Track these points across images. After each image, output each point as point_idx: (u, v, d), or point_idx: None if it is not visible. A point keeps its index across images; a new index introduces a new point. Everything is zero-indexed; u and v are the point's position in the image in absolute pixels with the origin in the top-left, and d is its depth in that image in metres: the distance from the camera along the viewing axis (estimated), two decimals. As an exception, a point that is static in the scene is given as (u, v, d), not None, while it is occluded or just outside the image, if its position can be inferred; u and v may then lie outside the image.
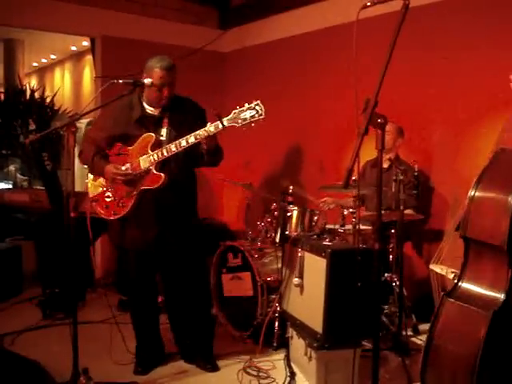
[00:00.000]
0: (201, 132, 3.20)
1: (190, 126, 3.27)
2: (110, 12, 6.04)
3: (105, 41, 6.14)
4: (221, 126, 3.14)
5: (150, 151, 3.39)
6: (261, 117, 3.10)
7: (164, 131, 3.49)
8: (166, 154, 3.32)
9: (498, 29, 4.33)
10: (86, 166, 3.66)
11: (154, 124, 3.52)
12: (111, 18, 6.05)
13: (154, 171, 3.39)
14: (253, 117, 3.10)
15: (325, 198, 4.71)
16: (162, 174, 3.37)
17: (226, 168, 6.18)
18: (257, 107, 3.10)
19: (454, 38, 4.62)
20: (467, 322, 2.55)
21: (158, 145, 3.40)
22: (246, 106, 3.12)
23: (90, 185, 3.66)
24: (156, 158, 3.36)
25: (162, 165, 3.41)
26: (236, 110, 3.13)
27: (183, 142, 3.25)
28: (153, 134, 3.43)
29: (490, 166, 2.70)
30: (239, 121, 3.12)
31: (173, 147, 3.29)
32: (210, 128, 3.18)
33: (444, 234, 3.73)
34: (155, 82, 3.35)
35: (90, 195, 3.63)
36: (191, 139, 3.23)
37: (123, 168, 3.44)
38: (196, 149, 3.40)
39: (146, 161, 3.39)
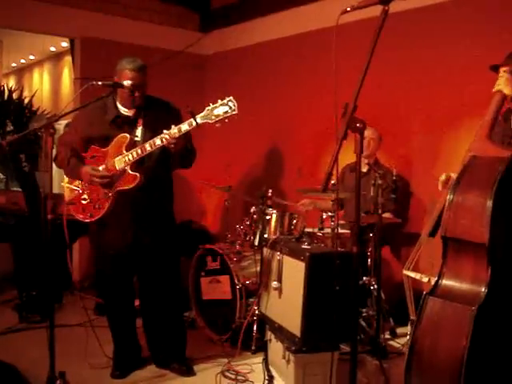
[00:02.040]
0: (175, 130, 3.20)
1: (165, 126, 3.26)
2: (90, 13, 6.00)
3: (84, 42, 6.10)
4: (194, 123, 3.15)
5: (124, 152, 3.37)
6: (234, 112, 3.11)
7: (139, 132, 3.49)
8: (140, 153, 3.32)
9: (477, 34, 4.39)
10: (61, 169, 3.64)
11: (128, 125, 3.51)
12: (91, 19, 6.01)
13: (130, 171, 3.38)
14: (226, 112, 3.11)
15: (303, 201, 4.72)
16: (138, 174, 3.36)
17: (205, 171, 6.21)
18: (229, 103, 3.11)
19: (433, 43, 4.67)
20: (452, 318, 2.57)
21: (132, 145, 3.39)
22: (219, 102, 3.13)
23: (65, 188, 3.63)
24: (131, 158, 3.35)
25: (137, 165, 3.40)
26: (209, 107, 3.15)
27: (158, 141, 3.25)
28: (127, 135, 3.42)
29: (466, 171, 2.75)
30: (212, 117, 3.13)
31: (147, 146, 3.29)
32: (184, 126, 3.19)
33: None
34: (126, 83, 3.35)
35: (66, 198, 3.60)
36: (165, 137, 3.22)
37: (100, 169, 3.43)
38: (171, 149, 3.40)
39: (121, 161, 3.37)
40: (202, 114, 3.15)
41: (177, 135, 3.20)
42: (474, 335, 2.45)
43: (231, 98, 3.12)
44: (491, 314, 2.53)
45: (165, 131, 3.23)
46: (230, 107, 3.11)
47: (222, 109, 3.12)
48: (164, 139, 3.22)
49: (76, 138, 3.57)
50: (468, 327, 2.46)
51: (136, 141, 3.44)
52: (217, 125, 3.15)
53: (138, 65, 3.41)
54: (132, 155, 3.34)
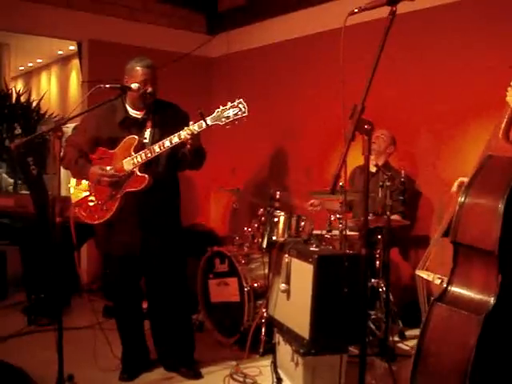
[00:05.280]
0: (184, 131, 3.19)
1: (174, 129, 3.26)
2: (97, 16, 6.01)
3: (92, 45, 6.12)
4: (204, 124, 3.14)
5: (133, 153, 3.37)
6: (244, 114, 3.10)
7: (147, 133, 3.49)
8: (149, 155, 3.31)
9: (484, 36, 4.38)
10: (68, 170, 3.63)
11: (137, 126, 3.51)
12: (98, 22, 6.03)
13: (138, 173, 3.37)
14: (236, 115, 3.10)
15: (312, 201, 4.71)
16: (146, 176, 3.35)
17: (213, 174, 6.21)
18: (240, 105, 3.11)
19: (441, 44, 4.65)
20: (458, 326, 2.53)
21: (141, 147, 3.38)
22: (229, 104, 3.13)
23: (72, 189, 3.63)
24: (140, 160, 3.34)
25: (145, 167, 3.39)
26: (219, 109, 3.14)
27: (167, 143, 3.24)
28: (136, 137, 3.41)
29: (479, 172, 2.67)
30: (223, 119, 3.12)
31: (156, 148, 3.28)
32: (194, 127, 3.18)
33: (430, 240, 3.72)
34: (137, 80, 3.37)
35: (73, 200, 3.60)
36: (175, 139, 3.22)
37: (108, 169, 3.43)
38: (179, 150, 3.40)
39: (130, 163, 3.37)
40: (212, 116, 3.14)
41: (187, 137, 3.19)
42: (479, 344, 2.40)
43: (241, 100, 3.11)
44: (498, 324, 2.48)
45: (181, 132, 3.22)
46: (241, 109, 3.10)
47: (232, 111, 3.11)
48: (173, 141, 3.22)
49: (84, 140, 3.57)
50: (474, 336, 2.41)
51: (145, 143, 3.44)
52: (227, 126, 3.14)
53: (148, 62, 3.44)
54: (141, 157, 3.33)
